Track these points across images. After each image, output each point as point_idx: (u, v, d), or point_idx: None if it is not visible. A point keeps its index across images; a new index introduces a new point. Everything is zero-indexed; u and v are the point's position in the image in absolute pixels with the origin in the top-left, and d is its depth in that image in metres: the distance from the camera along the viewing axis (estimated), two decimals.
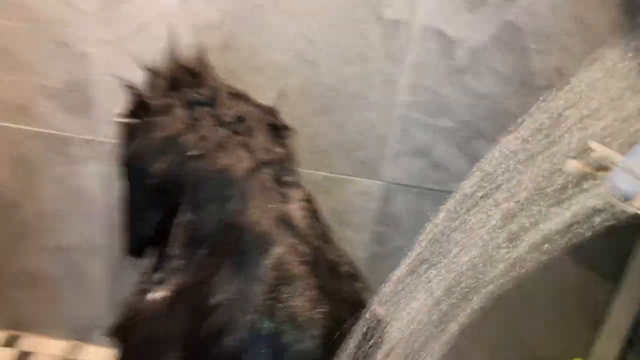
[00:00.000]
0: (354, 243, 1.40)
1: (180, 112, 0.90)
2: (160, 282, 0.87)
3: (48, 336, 1.59)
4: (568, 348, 1.48)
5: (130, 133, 0.93)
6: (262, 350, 0.77)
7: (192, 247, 0.85)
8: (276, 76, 1.23)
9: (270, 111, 0.98)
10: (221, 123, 0.90)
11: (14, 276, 1.52)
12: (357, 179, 1.35)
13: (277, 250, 0.81)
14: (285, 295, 0.78)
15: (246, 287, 0.79)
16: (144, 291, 0.88)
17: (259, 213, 0.84)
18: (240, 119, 0.91)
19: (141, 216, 0.92)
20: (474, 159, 1.29)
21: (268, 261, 0.80)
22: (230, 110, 0.92)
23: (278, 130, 0.97)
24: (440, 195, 1.36)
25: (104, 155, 1.35)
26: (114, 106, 1.29)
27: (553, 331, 1.48)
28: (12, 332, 1.59)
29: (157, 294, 0.86)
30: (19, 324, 1.58)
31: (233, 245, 0.83)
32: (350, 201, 1.36)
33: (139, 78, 0.98)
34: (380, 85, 1.25)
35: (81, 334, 1.59)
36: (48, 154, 1.36)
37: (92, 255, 1.48)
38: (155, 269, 0.90)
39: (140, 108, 0.92)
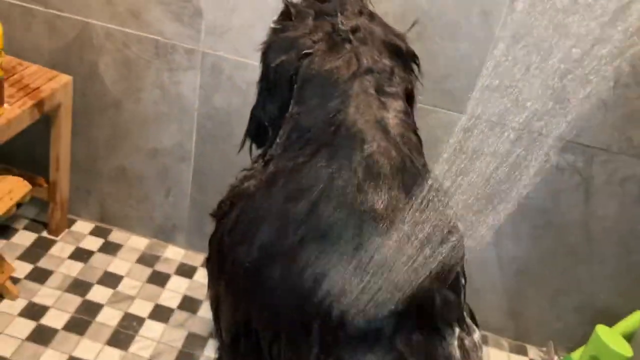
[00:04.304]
0: None
1: (310, 20, 1.00)
2: (261, 167, 0.95)
3: (133, 232, 1.73)
4: (629, 300, 1.50)
5: (272, 34, 1.03)
6: (343, 233, 0.83)
7: (294, 137, 0.93)
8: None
9: (398, 35, 1.04)
10: (337, 31, 0.97)
11: (110, 172, 1.65)
12: (440, 110, 1.39)
13: (369, 148, 0.87)
14: (368, 190, 0.84)
15: (335, 176, 0.86)
16: (247, 177, 0.97)
17: (357, 114, 0.90)
18: (354, 30, 0.98)
19: (262, 106, 1.04)
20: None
21: (359, 156, 0.87)
22: (349, 21, 0.99)
23: (402, 54, 1.03)
24: (521, 136, 1.39)
25: (204, 66, 1.44)
26: (219, 20, 1.38)
27: (615, 281, 1.51)
28: (102, 224, 1.73)
29: (253, 180, 0.95)
30: (108, 218, 1.73)
31: (329, 138, 0.90)
32: (431, 132, 1.41)
33: None
34: (477, 17, 1.27)
35: (164, 234, 1.71)
36: (153, 60, 1.46)
37: (183, 161, 1.58)
38: (262, 157, 0.99)
39: (286, 15, 1.04)
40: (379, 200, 0.84)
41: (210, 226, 1.71)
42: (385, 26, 1.06)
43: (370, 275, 0.77)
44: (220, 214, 1.01)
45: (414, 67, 1.07)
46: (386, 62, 0.99)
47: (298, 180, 0.88)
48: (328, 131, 0.91)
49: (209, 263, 1.03)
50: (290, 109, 0.95)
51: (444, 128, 1.41)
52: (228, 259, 0.93)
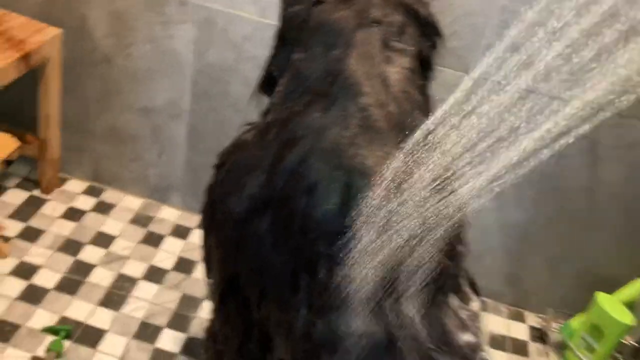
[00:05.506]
0: None
1: None
2: (262, 118, 0.92)
3: (127, 192, 1.69)
4: (630, 267, 1.47)
5: None
6: (332, 187, 0.79)
7: (293, 86, 0.89)
8: None
9: (420, 1, 0.99)
10: None
11: (102, 131, 1.60)
12: (444, 69, 1.33)
13: (365, 101, 0.83)
14: (361, 143, 0.80)
15: (328, 127, 0.82)
16: (250, 129, 0.94)
17: (357, 64, 0.86)
18: None
19: (274, 55, 1.00)
20: None
21: (354, 108, 0.82)
22: None
23: (419, 19, 0.98)
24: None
25: (197, 20, 1.38)
26: None
27: (617, 248, 1.48)
28: (95, 184, 1.70)
29: (253, 131, 0.92)
30: (101, 177, 1.69)
31: (326, 88, 0.86)
32: (436, 92, 1.35)
33: None
34: None
35: (158, 194, 1.68)
36: (144, 12, 1.39)
37: (176, 119, 1.53)
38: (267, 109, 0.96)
39: None
40: (371, 155, 0.79)
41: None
42: None
43: (359, 235, 0.73)
44: (218, 165, 0.98)
45: (435, 39, 1.02)
46: (398, 17, 0.94)
47: (291, 130, 0.84)
48: (326, 81, 0.87)
49: (202, 215, 1.00)
50: (292, 56, 0.91)
51: (449, 88, 1.35)
52: (218, 209, 0.90)
